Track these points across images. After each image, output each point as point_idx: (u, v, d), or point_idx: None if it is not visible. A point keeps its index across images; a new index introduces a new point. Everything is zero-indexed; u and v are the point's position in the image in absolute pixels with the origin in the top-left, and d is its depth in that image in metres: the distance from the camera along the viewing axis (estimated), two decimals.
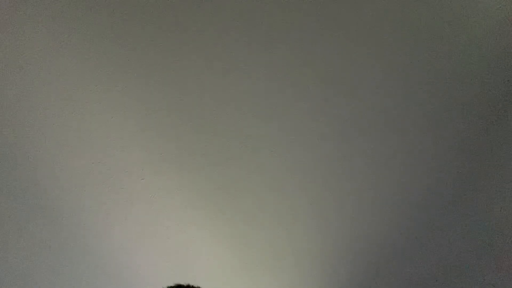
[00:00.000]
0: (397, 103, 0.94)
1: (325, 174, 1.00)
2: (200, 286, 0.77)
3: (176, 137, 0.96)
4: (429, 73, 0.91)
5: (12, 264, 1.04)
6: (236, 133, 0.96)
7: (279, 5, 0.86)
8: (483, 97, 0.91)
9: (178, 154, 0.97)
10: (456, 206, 1.00)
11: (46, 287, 1.07)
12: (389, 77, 0.92)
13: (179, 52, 0.89)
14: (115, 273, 1.08)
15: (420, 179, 0.99)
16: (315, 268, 1.07)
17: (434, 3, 0.86)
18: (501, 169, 0.96)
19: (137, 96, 0.92)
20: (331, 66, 0.91)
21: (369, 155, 0.97)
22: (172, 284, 0.77)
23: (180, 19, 0.87)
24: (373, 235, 1.04)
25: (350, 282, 1.08)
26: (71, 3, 0.84)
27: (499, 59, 0.89)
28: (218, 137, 0.96)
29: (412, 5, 0.86)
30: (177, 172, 0.99)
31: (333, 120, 0.95)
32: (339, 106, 0.94)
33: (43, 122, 0.92)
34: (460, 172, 0.97)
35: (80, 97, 0.91)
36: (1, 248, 1.01)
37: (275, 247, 1.06)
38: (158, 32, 0.87)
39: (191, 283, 0.77)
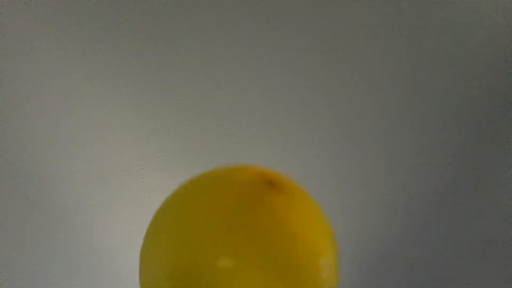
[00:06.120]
0: (403, 102, 0.93)
1: (329, 171, 0.99)
2: None
3: (175, 136, 0.95)
4: (437, 75, 0.90)
5: (11, 263, 1.04)
6: (237, 132, 0.95)
7: (282, 5, 0.85)
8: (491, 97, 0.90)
9: (178, 153, 0.97)
10: (461, 208, 1.00)
11: (44, 285, 1.07)
12: (394, 78, 0.91)
13: (179, 51, 0.88)
14: (114, 272, 1.08)
15: (427, 179, 0.99)
16: None
17: (438, 5, 0.84)
18: (504, 172, 0.96)
19: (136, 96, 0.90)
20: (332, 67, 0.90)
21: (373, 154, 0.97)
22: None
23: (181, 18, 0.85)
24: (378, 234, 1.04)
25: (353, 281, 1.08)
26: (71, 1, 0.82)
27: (500, 61, 0.88)
28: (219, 136, 0.95)
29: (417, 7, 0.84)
30: (177, 171, 0.98)
31: (335, 120, 0.94)
32: (341, 106, 0.93)
33: (41, 121, 0.90)
34: (466, 175, 0.97)
35: (79, 96, 0.89)
36: (0, 247, 1.01)
37: None
38: (158, 31, 0.86)
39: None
